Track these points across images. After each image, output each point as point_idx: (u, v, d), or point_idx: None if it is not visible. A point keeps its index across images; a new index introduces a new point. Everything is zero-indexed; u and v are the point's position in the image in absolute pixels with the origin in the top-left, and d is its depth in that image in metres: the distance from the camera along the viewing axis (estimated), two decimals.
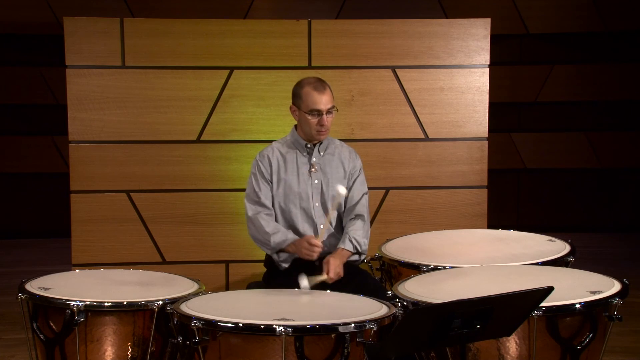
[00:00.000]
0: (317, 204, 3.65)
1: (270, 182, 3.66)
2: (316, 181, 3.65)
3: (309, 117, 3.57)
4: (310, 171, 3.65)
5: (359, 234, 3.64)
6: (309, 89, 3.58)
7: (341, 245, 3.59)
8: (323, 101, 3.56)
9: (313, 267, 3.59)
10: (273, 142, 3.78)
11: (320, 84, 3.60)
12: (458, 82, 4.90)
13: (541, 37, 8.41)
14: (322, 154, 3.69)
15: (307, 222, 3.64)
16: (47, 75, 8.21)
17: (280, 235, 3.57)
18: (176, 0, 8.10)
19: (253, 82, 4.80)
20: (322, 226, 3.58)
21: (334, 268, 3.45)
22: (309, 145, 3.66)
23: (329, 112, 3.59)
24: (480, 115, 4.92)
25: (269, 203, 3.66)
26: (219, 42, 4.78)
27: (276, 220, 3.67)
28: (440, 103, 4.90)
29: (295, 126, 3.72)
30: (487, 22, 4.91)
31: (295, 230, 3.64)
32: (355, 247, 3.61)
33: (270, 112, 4.78)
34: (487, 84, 4.92)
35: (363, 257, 3.69)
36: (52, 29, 7.90)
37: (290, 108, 3.67)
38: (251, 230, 3.67)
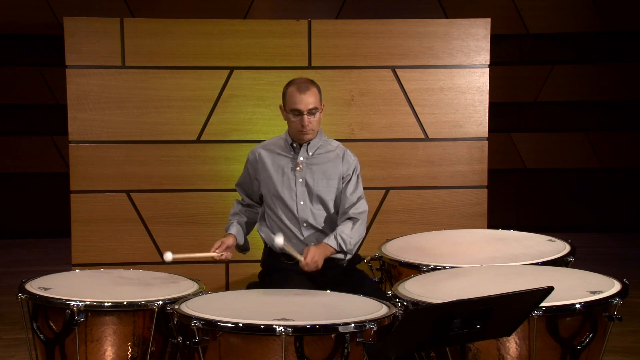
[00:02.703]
0: (301, 202, 3.65)
1: (255, 178, 3.75)
2: (300, 180, 3.65)
3: (291, 117, 3.59)
4: (294, 170, 3.66)
5: (346, 232, 3.61)
6: (293, 89, 3.59)
7: (325, 240, 3.59)
8: (303, 101, 3.55)
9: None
10: (266, 140, 3.82)
11: (305, 85, 3.59)
12: (458, 82, 4.90)
13: (541, 37, 8.42)
14: (310, 153, 3.68)
15: (290, 220, 3.65)
16: (47, 75, 8.21)
17: (227, 224, 3.79)
18: (176, 0, 8.10)
19: (253, 82, 4.80)
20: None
21: (311, 256, 3.46)
22: (294, 145, 3.67)
23: (311, 112, 3.57)
24: (480, 115, 4.92)
25: (246, 195, 3.84)
26: (219, 42, 4.78)
27: (267, 217, 3.73)
28: (440, 103, 4.90)
29: None
30: (487, 22, 4.91)
31: (283, 226, 3.67)
32: (339, 245, 3.58)
33: (270, 112, 4.78)
34: (487, 84, 4.92)
35: (349, 256, 3.66)
36: (52, 29, 7.90)
37: (280, 107, 3.68)
38: None
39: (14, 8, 8.11)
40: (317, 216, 3.67)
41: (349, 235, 3.61)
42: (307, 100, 3.55)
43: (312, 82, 3.63)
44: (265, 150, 3.73)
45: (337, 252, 3.60)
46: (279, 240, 3.40)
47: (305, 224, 3.65)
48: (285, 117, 3.65)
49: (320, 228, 3.67)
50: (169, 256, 3.37)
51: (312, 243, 3.62)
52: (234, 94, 4.81)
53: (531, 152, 8.58)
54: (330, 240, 3.58)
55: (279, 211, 3.66)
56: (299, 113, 3.56)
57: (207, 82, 4.79)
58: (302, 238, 3.65)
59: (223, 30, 4.79)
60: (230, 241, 3.63)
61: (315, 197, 3.66)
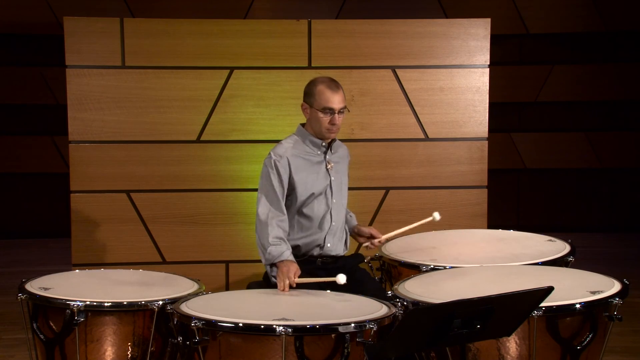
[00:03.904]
0: (334, 201, 3.67)
1: (286, 183, 3.62)
2: (333, 178, 3.68)
3: (321, 115, 3.58)
4: (327, 169, 3.67)
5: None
6: (323, 87, 3.59)
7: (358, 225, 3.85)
8: (336, 100, 3.57)
9: (311, 269, 3.61)
10: (282, 142, 3.69)
11: (334, 84, 3.63)
12: (458, 82, 4.90)
13: (541, 37, 8.42)
14: (333, 152, 3.72)
15: (321, 219, 3.65)
16: (47, 75, 8.21)
17: (276, 249, 3.46)
18: (176, 0, 8.10)
19: (253, 82, 4.80)
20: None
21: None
22: (324, 144, 3.67)
23: (340, 111, 3.60)
24: (480, 115, 4.92)
25: (284, 207, 3.58)
26: (219, 42, 4.78)
27: (295, 219, 3.64)
28: (440, 103, 4.90)
29: (302, 124, 3.71)
30: (487, 22, 4.91)
31: (310, 227, 3.63)
32: None
33: (270, 112, 4.78)
34: (487, 84, 4.92)
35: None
36: (52, 29, 7.90)
37: (302, 106, 3.66)
38: (258, 230, 3.56)
39: (14, 8, 8.10)
40: (340, 215, 3.73)
41: None
42: (339, 99, 3.59)
43: (338, 82, 3.67)
44: (293, 153, 3.63)
45: None
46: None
47: (334, 223, 3.67)
48: (311, 115, 3.62)
49: (338, 227, 3.72)
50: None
51: (329, 244, 3.65)
52: (234, 94, 4.81)
53: (531, 152, 8.58)
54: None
55: (311, 212, 3.63)
56: (330, 112, 3.57)
57: (207, 82, 4.78)
58: (325, 239, 3.65)
59: (223, 30, 4.79)
60: (295, 268, 3.41)
61: (343, 195, 3.75)
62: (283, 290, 3.33)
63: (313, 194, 3.63)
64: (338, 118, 3.59)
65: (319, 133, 3.64)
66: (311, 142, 3.67)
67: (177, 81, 4.76)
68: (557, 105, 8.51)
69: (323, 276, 3.59)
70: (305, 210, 3.63)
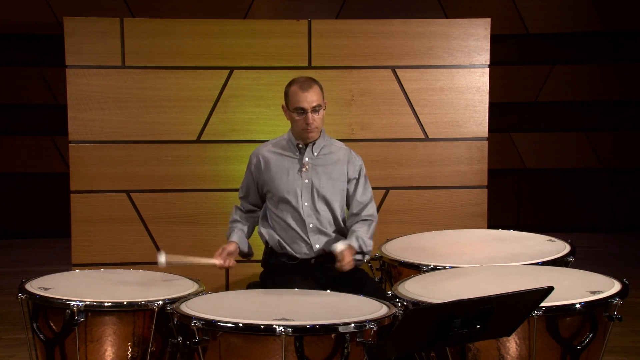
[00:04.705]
0: (306, 204, 3.64)
1: (257, 181, 3.72)
2: (306, 181, 3.64)
3: (295, 116, 3.58)
4: (300, 171, 3.65)
5: (364, 234, 3.63)
6: (295, 88, 3.58)
7: (348, 241, 3.58)
8: (307, 99, 3.54)
9: (307, 269, 3.61)
10: (269, 140, 3.80)
11: (307, 83, 3.58)
12: (458, 82, 4.90)
13: (541, 37, 8.42)
14: (316, 154, 3.67)
15: (296, 221, 3.64)
16: (47, 75, 8.21)
17: (228, 232, 3.77)
18: (176, 0, 8.10)
19: (253, 82, 4.80)
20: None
21: (348, 257, 3.46)
22: (300, 145, 3.66)
23: (314, 110, 3.57)
24: (480, 115, 4.92)
25: (245, 200, 3.79)
26: (219, 42, 4.78)
27: (278, 223, 3.68)
28: (440, 103, 4.90)
29: None
30: (487, 22, 4.91)
31: (288, 228, 3.64)
32: (360, 246, 3.58)
33: (270, 112, 4.79)
34: (487, 84, 4.92)
35: (367, 257, 3.67)
36: (52, 29, 7.90)
37: (282, 107, 3.68)
38: None
39: (14, 8, 8.11)
40: (322, 218, 3.66)
41: (368, 237, 3.64)
42: (311, 97, 3.55)
43: (314, 80, 3.63)
44: (269, 152, 3.71)
45: (358, 253, 3.60)
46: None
47: (311, 225, 3.64)
48: (289, 116, 3.64)
49: (325, 230, 3.67)
50: (162, 259, 3.35)
51: (318, 245, 3.63)
52: (234, 94, 4.81)
53: (531, 152, 8.58)
54: (353, 242, 3.57)
55: (284, 213, 3.64)
56: (302, 111, 3.56)
57: (207, 82, 4.79)
58: (308, 240, 3.64)
59: (223, 30, 4.79)
60: (231, 248, 3.60)
61: (320, 198, 3.66)
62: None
63: (282, 195, 3.63)
64: (312, 117, 3.56)
65: (298, 134, 3.64)
66: (289, 142, 3.68)
67: (177, 81, 4.76)
68: (557, 105, 8.51)
69: (319, 276, 3.59)
70: (280, 213, 3.65)
